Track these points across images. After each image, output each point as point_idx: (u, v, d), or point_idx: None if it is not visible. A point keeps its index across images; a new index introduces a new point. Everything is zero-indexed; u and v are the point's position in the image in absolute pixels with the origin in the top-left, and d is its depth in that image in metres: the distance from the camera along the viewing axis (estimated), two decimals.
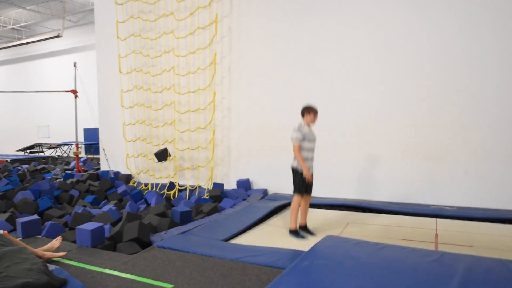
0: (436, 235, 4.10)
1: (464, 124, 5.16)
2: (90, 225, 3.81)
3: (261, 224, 4.69)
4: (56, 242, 3.51)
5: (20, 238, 3.90)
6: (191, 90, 6.92)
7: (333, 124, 5.82)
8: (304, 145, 4.01)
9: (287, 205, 5.49)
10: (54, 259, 3.26)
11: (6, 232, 3.34)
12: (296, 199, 4.09)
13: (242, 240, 4.04)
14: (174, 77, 7.07)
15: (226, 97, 6.75)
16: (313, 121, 4.13)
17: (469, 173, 5.16)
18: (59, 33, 16.78)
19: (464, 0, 5.11)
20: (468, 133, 5.15)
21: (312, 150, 4.10)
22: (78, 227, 3.79)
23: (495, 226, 4.39)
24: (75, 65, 8.96)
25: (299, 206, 4.13)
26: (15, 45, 18.58)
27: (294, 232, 4.15)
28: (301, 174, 4.01)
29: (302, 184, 4.04)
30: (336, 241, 3.46)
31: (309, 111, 4.10)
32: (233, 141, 6.77)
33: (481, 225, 4.45)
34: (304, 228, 4.27)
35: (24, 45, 18.73)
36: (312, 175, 4.11)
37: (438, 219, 4.67)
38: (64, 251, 3.41)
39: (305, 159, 4.01)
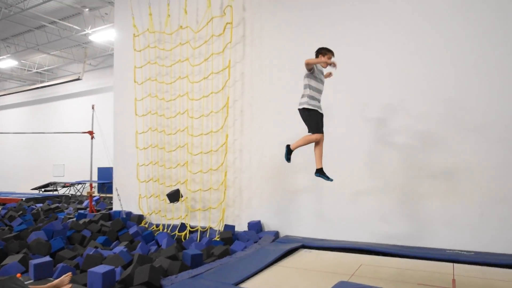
0: (453, 280, 3.97)
1: (477, 165, 5.12)
2: (101, 268, 3.82)
3: (272, 266, 4.61)
4: (66, 278, 3.50)
5: (31, 281, 3.92)
6: (204, 132, 7.09)
7: (344, 163, 5.84)
8: (312, 83, 4.00)
9: (300, 247, 5.42)
10: None
11: (19, 274, 3.38)
12: (316, 135, 4.01)
13: (253, 284, 3.98)
14: (187, 120, 7.28)
15: (238, 139, 6.88)
16: (325, 65, 4.05)
17: (484, 215, 5.05)
18: (79, 76, 17.57)
19: (480, 36, 5.25)
20: (481, 174, 5.09)
21: (320, 91, 4.09)
22: (89, 270, 3.80)
23: None
24: (93, 108, 9.31)
25: (313, 141, 4.03)
26: (38, 88, 19.44)
27: (288, 151, 4.19)
28: (314, 111, 3.97)
29: (318, 121, 3.96)
30: (349, 287, 3.39)
31: (324, 54, 4.02)
32: (245, 182, 6.81)
33: (500, 271, 4.29)
34: (321, 171, 4.21)
35: (46, 87, 19.59)
36: (322, 116, 4.12)
37: (455, 264, 4.53)
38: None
39: (313, 97, 4.00)
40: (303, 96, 4.20)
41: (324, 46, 4.29)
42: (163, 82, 7.70)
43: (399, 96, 5.64)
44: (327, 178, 4.34)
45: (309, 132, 4.23)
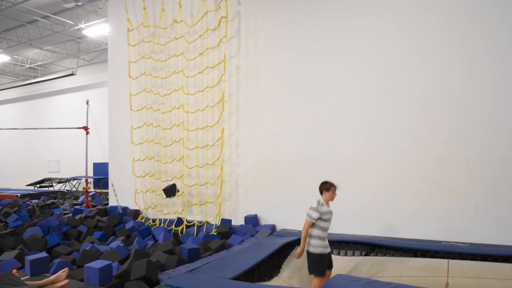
0: (447, 283, 3.96)
1: (471, 159, 5.15)
2: (98, 263, 3.81)
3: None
4: (63, 273, 3.47)
5: (27, 277, 3.91)
6: (200, 127, 7.06)
7: (343, 160, 5.85)
8: (320, 224, 3.78)
9: (296, 242, 5.43)
10: None
11: (15, 270, 3.37)
12: (316, 282, 3.73)
13: (250, 277, 3.99)
14: (183, 114, 7.25)
15: (234, 134, 6.87)
16: (332, 198, 3.90)
17: (478, 208, 5.09)
18: (73, 71, 17.39)
19: (466, 36, 5.26)
20: (476, 168, 5.13)
21: (327, 229, 3.86)
22: (86, 265, 3.80)
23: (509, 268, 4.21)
24: (87, 103, 9.23)
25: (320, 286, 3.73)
26: (31, 83, 19.24)
27: None
28: (320, 256, 3.73)
29: (323, 265, 3.73)
30: (346, 280, 3.42)
31: (328, 188, 3.88)
32: (241, 176, 6.81)
33: (494, 268, 4.24)
34: None
35: (39, 83, 19.38)
36: (330, 254, 3.87)
37: (450, 261, 4.47)
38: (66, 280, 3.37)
39: (321, 238, 3.77)
40: (311, 237, 3.82)
41: (326, 180, 4.00)
42: (158, 76, 7.65)
43: (391, 92, 5.66)
44: None
45: (310, 272, 3.83)
